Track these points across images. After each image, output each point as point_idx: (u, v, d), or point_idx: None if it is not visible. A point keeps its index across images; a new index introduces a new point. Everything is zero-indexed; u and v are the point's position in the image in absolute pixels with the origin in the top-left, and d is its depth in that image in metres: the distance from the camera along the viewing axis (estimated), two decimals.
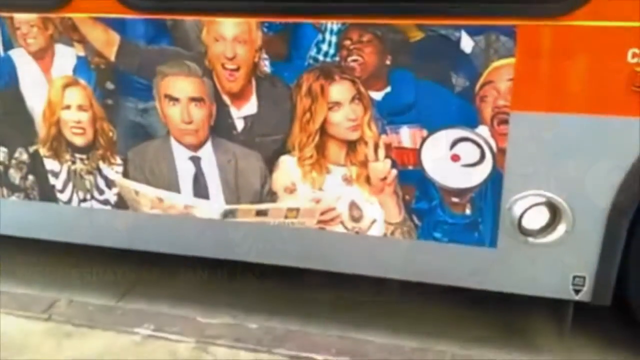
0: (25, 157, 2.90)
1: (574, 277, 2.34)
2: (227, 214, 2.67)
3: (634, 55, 2.05)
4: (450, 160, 2.34)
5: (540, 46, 2.16)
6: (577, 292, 2.36)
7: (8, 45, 2.74)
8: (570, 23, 2.09)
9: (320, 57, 2.37)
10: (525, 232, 2.32)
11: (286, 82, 2.44)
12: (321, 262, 2.66)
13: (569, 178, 2.24)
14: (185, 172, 2.67)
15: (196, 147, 2.63)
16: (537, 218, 2.29)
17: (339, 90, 2.38)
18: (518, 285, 2.43)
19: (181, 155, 2.65)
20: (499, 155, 2.28)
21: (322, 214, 2.55)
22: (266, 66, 2.45)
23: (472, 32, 2.19)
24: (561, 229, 2.29)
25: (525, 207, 2.28)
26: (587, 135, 2.18)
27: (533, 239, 2.32)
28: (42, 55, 2.72)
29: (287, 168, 2.53)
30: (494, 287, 2.46)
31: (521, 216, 2.29)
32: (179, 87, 2.56)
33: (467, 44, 2.20)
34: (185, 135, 2.62)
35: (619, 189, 2.18)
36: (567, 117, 2.17)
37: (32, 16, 2.66)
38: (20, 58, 2.75)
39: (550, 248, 2.32)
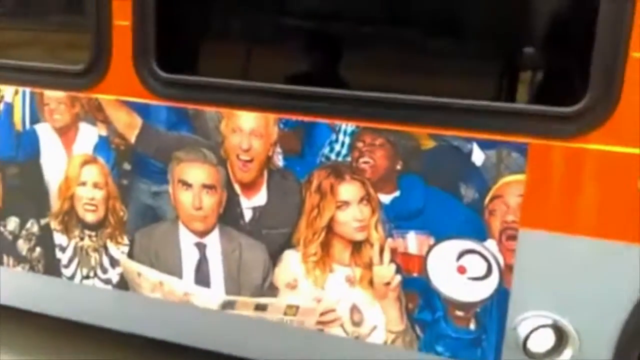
0: (35, 228, 2.99)
1: None
2: (227, 305, 2.68)
3: None
4: (457, 271, 2.35)
5: (552, 165, 2.21)
6: None
7: (34, 119, 2.90)
8: (582, 145, 2.16)
9: (333, 156, 2.46)
10: (530, 355, 2.28)
11: (297, 177, 2.52)
12: None
13: (576, 301, 2.23)
14: (189, 257, 2.72)
15: (203, 233, 2.69)
16: (542, 340, 2.26)
17: (348, 190, 2.45)
18: None
19: (187, 241, 2.72)
20: (506, 271, 2.29)
21: (322, 314, 2.55)
22: (279, 160, 2.55)
23: (484, 145, 2.26)
24: (567, 353, 2.26)
25: (531, 328, 2.25)
26: (596, 258, 2.19)
27: None
28: (66, 132, 2.87)
29: (291, 263, 2.57)
30: None
31: (526, 337, 2.26)
32: (193, 173, 2.66)
33: (478, 156, 2.27)
34: (194, 221, 2.69)
35: (628, 316, 2.15)
36: (576, 238, 2.19)
37: (61, 93, 2.85)
38: (45, 133, 2.90)
39: None
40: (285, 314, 2.61)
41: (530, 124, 2.22)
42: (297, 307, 2.59)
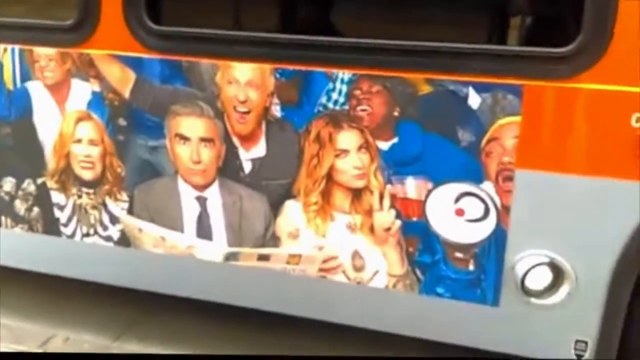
0: (32, 188, 3.14)
1: (576, 342, 2.49)
2: (229, 256, 2.87)
3: (638, 120, 2.25)
4: (455, 214, 2.54)
5: (546, 106, 2.38)
6: (579, 357, 2.50)
7: (25, 77, 3.01)
8: (575, 85, 2.32)
9: (330, 105, 2.60)
10: (528, 292, 2.48)
11: (295, 127, 2.67)
12: (321, 312, 2.84)
13: (572, 239, 2.42)
14: (190, 211, 2.89)
15: (203, 187, 2.85)
16: (540, 278, 2.45)
17: (347, 138, 2.61)
18: (519, 346, 2.57)
19: (187, 195, 2.88)
20: (503, 212, 2.47)
21: (324, 261, 2.74)
22: (277, 111, 2.69)
23: (480, 89, 2.41)
24: (564, 290, 2.45)
25: (529, 266, 2.45)
26: (590, 197, 2.37)
27: (536, 299, 2.48)
28: (58, 89, 2.99)
29: (292, 213, 2.74)
30: (494, 347, 2.61)
31: (524, 275, 2.45)
32: (191, 126, 2.80)
33: (474, 100, 2.43)
34: (193, 175, 2.85)
35: (621, 251, 2.35)
36: (570, 177, 2.37)
37: (51, 50, 2.95)
38: (36, 90, 3.02)
39: (553, 310, 2.48)
40: (287, 263, 2.79)
41: (524, 66, 2.37)
42: (300, 256, 2.77)
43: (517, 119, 2.38)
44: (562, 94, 2.34)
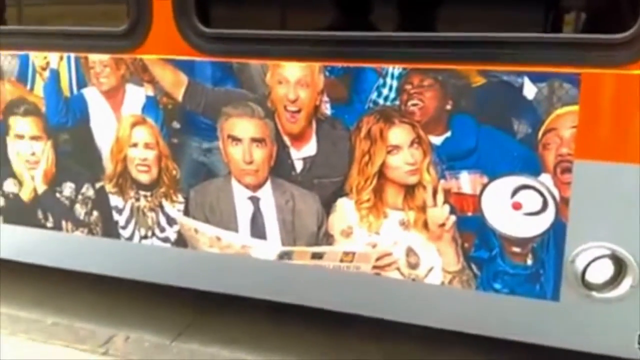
0: (91, 192, 3.21)
1: None
2: (283, 255, 2.87)
3: None
4: (512, 208, 2.47)
5: (605, 94, 2.31)
6: None
7: (81, 84, 3.08)
8: (634, 72, 2.23)
9: (381, 101, 2.58)
10: (588, 286, 2.41)
11: (346, 124, 2.66)
12: (376, 310, 2.81)
13: (634, 230, 2.33)
14: (243, 211, 2.91)
15: (256, 187, 2.87)
16: (601, 271, 2.38)
17: (399, 134, 2.58)
18: (580, 341, 2.50)
19: (241, 195, 2.90)
20: (562, 204, 2.41)
21: (378, 259, 2.72)
22: (327, 109, 2.68)
23: (535, 78, 2.36)
24: (626, 283, 2.37)
25: (589, 259, 2.38)
26: None
27: (597, 293, 2.41)
28: (113, 94, 3.04)
29: (344, 211, 2.73)
30: (555, 342, 2.54)
31: (585, 269, 2.38)
32: (242, 127, 2.82)
33: (529, 90, 2.37)
34: (246, 175, 2.87)
35: None
36: (632, 167, 2.28)
37: (105, 56, 3.01)
38: (92, 96, 3.09)
39: (615, 303, 2.40)
40: (341, 260, 2.78)
41: (581, 53, 2.30)
42: (354, 254, 2.76)
43: (575, 108, 2.31)
44: (621, 81, 2.26)
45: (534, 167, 2.41)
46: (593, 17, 2.45)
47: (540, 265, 2.48)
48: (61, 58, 3.09)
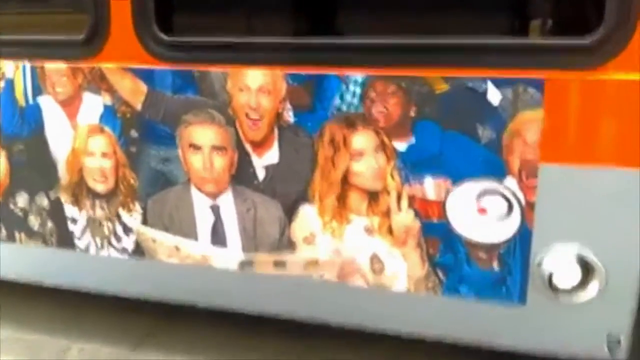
0: (45, 203, 2.73)
1: (608, 340, 2.09)
2: (245, 264, 2.46)
3: None
4: (477, 213, 2.15)
5: (569, 98, 2.00)
6: (611, 355, 2.10)
7: (37, 93, 2.62)
8: (600, 76, 1.95)
9: (344, 108, 2.22)
10: (555, 290, 2.09)
11: (309, 132, 2.29)
12: (341, 318, 2.43)
13: (600, 234, 2.04)
14: (204, 220, 2.49)
15: (216, 195, 2.46)
16: (568, 275, 2.05)
17: (362, 140, 2.23)
18: (548, 345, 2.18)
19: (201, 204, 2.48)
20: (528, 208, 2.09)
21: (342, 266, 2.34)
22: (289, 116, 2.30)
23: (499, 83, 2.04)
24: (594, 286, 2.06)
25: (556, 263, 2.06)
26: (619, 189, 1.99)
27: (564, 296, 2.09)
28: (70, 103, 2.59)
29: (307, 218, 2.35)
30: (522, 346, 2.21)
31: (551, 273, 2.06)
32: (203, 135, 2.42)
33: (494, 95, 2.05)
34: (206, 184, 2.45)
35: None
36: (597, 170, 1.99)
37: (62, 65, 2.56)
38: (48, 105, 2.63)
39: (583, 306, 2.09)
40: (305, 269, 2.39)
41: (545, 58, 2.01)
42: (317, 261, 2.37)
43: (540, 112, 2.00)
44: (586, 85, 1.97)
45: (499, 172, 2.09)
46: (558, 20, 2.15)
47: (506, 270, 2.15)
48: (16, 67, 2.62)
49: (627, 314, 2.05)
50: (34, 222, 2.76)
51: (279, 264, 2.42)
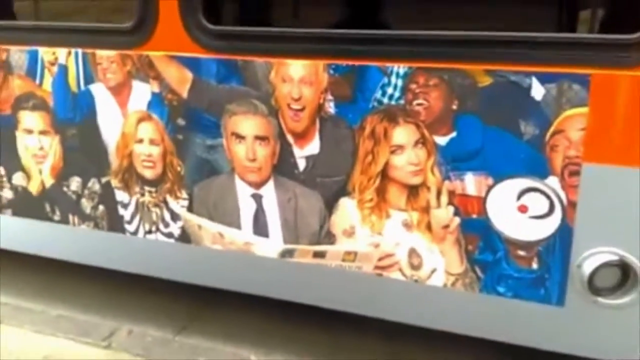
0: (97, 187, 3.07)
1: None
2: (285, 253, 2.71)
3: None
4: (518, 210, 2.30)
5: (615, 96, 2.12)
6: None
7: (89, 80, 2.94)
8: None
9: (385, 100, 2.41)
10: (595, 292, 2.23)
11: (350, 123, 2.49)
12: (378, 310, 2.65)
13: None
14: (246, 209, 2.75)
15: (258, 184, 2.71)
16: (608, 277, 2.20)
17: (403, 134, 2.41)
18: (585, 347, 2.33)
19: (244, 192, 2.74)
20: (569, 208, 2.23)
21: (380, 259, 2.55)
22: (331, 107, 2.51)
23: (544, 79, 2.18)
24: (634, 289, 2.19)
25: (596, 264, 2.20)
26: None
27: (603, 299, 2.24)
28: (120, 91, 2.90)
29: (347, 210, 2.56)
30: (559, 348, 2.37)
31: (591, 274, 2.21)
32: (246, 125, 2.67)
33: (538, 91, 2.19)
34: (249, 173, 2.71)
35: None
36: None
37: (112, 52, 2.86)
38: (99, 92, 2.94)
39: (622, 310, 2.23)
40: (343, 260, 2.62)
41: (591, 54, 2.12)
42: (355, 253, 2.59)
43: (584, 110, 2.13)
44: (633, 82, 2.07)
45: (541, 170, 2.23)
46: (605, 17, 2.25)
47: (545, 270, 2.30)
48: (69, 53, 2.94)
49: None
50: (86, 205, 3.11)
51: (318, 255, 2.67)
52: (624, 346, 2.26)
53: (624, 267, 2.19)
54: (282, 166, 2.64)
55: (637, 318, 2.21)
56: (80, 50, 2.92)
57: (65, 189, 3.13)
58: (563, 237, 2.25)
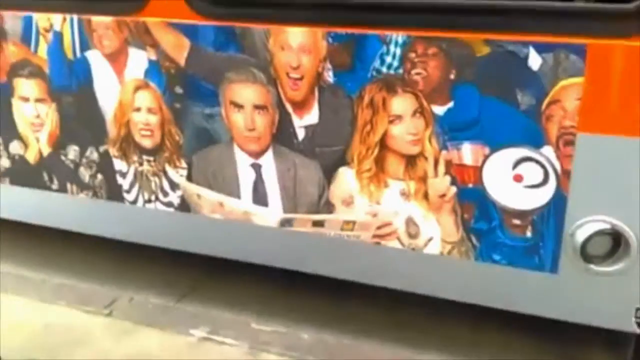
0: (95, 156, 3.18)
1: (637, 310, 2.37)
2: (285, 222, 2.85)
3: None
4: (513, 180, 2.43)
5: (611, 66, 2.23)
6: (639, 325, 2.40)
7: (84, 47, 3.03)
8: None
9: (384, 69, 2.51)
10: (587, 259, 2.37)
11: (348, 93, 2.59)
12: (376, 277, 2.80)
13: (635, 205, 2.28)
14: (246, 178, 2.88)
15: (258, 154, 2.83)
16: (601, 245, 2.34)
17: (401, 104, 2.52)
18: (578, 313, 2.48)
19: (243, 162, 2.86)
20: (564, 177, 2.35)
21: (379, 228, 2.69)
22: (329, 76, 2.62)
23: (541, 49, 2.28)
24: (626, 257, 2.33)
25: (589, 233, 2.33)
26: None
27: (596, 266, 2.38)
28: (116, 58, 2.99)
29: (346, 180, 2.69)
30: (552, 314, 2.52)
31: (584, 242, 2.34)
32: (244, 94, 2.77)
33: (535, 61, 2.29)
34: (248, 142, 2.83)
35: None
36: (636, 141, 2.22)
37: (108, 19, 2.94)
38: (95, 59, 3.03)
39: (613, 277, 2.37)
40: (342, 229, 2.76)
41: (588, 23, 2.22)
42: (354, 222, 2.73)
43: (580, 80, 2.24)
44: (629, 52, 2.18)
45: (537, 139, 2.35)
46: None
47: (539, 238, 2.44)
48: (64, 20, 3.03)
49: None
50: (84, 174, 3.23)
51: (317, 224, 2.80)
52: (616, 313, 2.41)
53: (616, 235, 2.32)
54: (281, 136, 2.76)
55: (628, 285, 2.35)
56: (75, 17, 3.00)
57: (62, 157, 3.25)
58: (557, 206, 2.38)
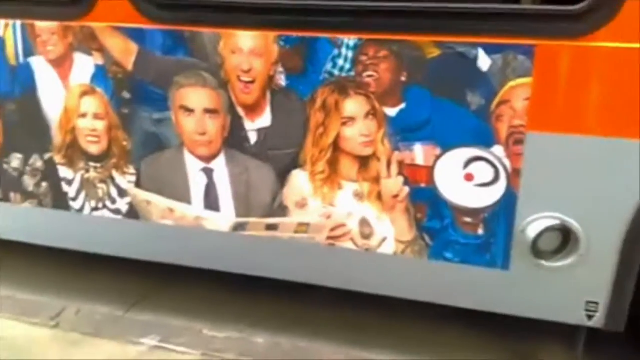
0: (40, 164, 2.94)
1: (587, 303, 2.32)
2: (238, 227, 2.68)
3: None
4: (464, 179, 2.34)
5: (559, 67, 2.17)
6: (590, 317, 2.33)
7: (28, 53, 2.80)
8: (590, 44, 2.10)
9: (336, 72, 2.39)
10: (538, 255, 2.31)
11: (301, 96, 2.47)
12: (330, 279, 2.67)
13: (584, 201, 2.23)
14: (197, 183, 2.70)
15: (209, 158, 2.66)
16: (551, 241, 2.28)
17: (354, 106, 2.41)
18: (530, 309, 2.42)
19: (194, 167, 2.68)
20: (514, 175, 2.28)
21: (332, 230, 2.56)
22: (281, 80, 2.48)
23: (490, 50, 2.20)
24: (575, 253, 2.27)
25: (539, 229, 2.27)
26: (604, 158, 2.17)
27: (546, 262, 2.31)
28: (61, 63, 2.78)
29: (299, 182, 2.55)
30: (505, 310, 2.45)
31: (535, 239, 2.27)
32: (195, 98, 2.60)
33: (484, 62, 2.22)
34: (199, 147, 2.65)
35: (634, 213, 2.16)
36: (584, 139, 2.17)
37: (52, 24, 2.72)
38: (39, 65, 2.81)
39: (564, 272, 2.31)
40: (296, 232, 2.61)
41: (535, 25, 2.16)
42: (308, 225, 2.59)
43: (529, 80, 2.17)
44: (576, 53, 2.13)
45: (487, 139, 2.27)
46: None
47: (491, 235, 2.36)
48: (7, 25, 2.79)
49: (606, 281, 2.25)
50: (28, 182, 2.98)
51: (271, 227, 2.64)
52: (567, 306, 2.35)
53: (565, 231, 2.26)
54: (233, 139, 2.60)
55: (578, 279, 2.29)
56: (18, 22, 2.77)
57: (5, 166, 2.99)
58: (508, 204, 2.31)
